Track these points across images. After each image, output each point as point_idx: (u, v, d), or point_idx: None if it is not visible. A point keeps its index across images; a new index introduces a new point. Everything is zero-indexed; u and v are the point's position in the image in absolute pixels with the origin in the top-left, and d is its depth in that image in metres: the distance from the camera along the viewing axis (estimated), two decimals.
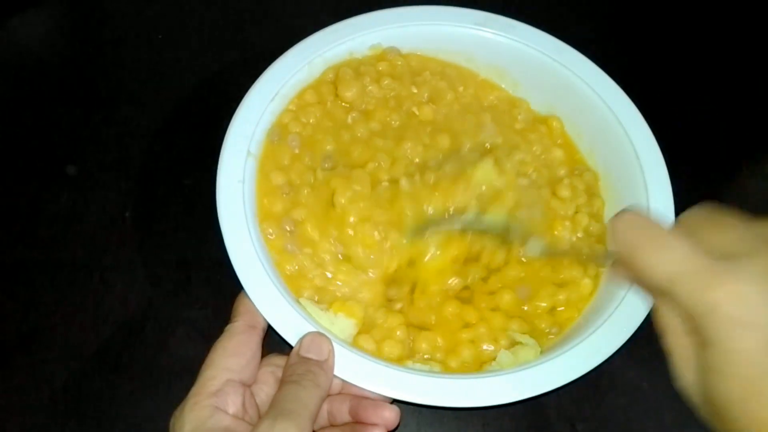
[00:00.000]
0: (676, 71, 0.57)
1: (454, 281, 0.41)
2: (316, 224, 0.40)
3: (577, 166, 0.47)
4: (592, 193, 0.45)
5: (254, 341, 0.35)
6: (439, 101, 0.47)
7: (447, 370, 0.38)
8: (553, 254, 0.42)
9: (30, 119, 0.52)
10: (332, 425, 0.37)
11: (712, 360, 0.27)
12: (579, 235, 0.44)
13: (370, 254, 0.40)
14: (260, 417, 0.33)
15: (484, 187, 0.42)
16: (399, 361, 0.38)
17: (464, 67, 0.49)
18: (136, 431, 0.41)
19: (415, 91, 0.47)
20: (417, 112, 0.46)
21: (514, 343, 0.39)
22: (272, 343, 0.37)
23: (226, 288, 0.38)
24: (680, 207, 0.41)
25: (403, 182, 0.42)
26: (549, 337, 0.40)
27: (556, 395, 0.36)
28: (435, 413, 0.42)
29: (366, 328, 0.39)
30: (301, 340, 0.35)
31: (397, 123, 0.45)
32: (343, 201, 0.40)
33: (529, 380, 0.36)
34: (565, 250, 0.43)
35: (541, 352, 0.39)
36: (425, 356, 0.39)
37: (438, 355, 0.39)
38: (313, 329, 0.36)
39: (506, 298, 0.41)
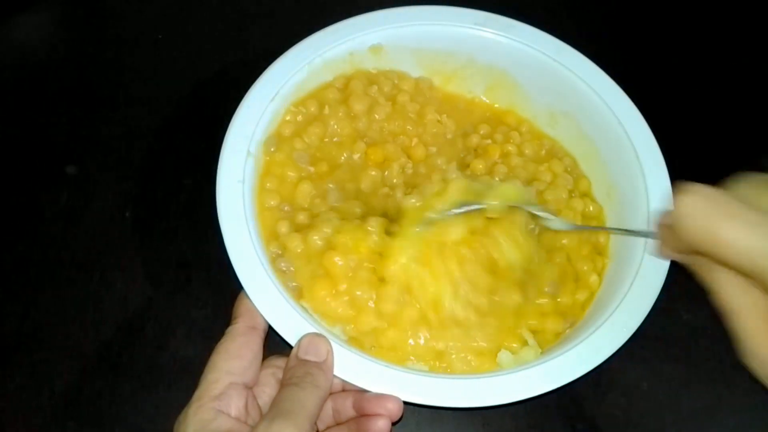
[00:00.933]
0: (675, 70, 0.57)
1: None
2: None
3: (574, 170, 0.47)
4: (576, 174, 0.47)
5: (255, 342, 0.35)
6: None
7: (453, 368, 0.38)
8: (585, 228, 0.42)
9: (30, 119, 0.52)
10: (338, 423, 0.37)
11: None
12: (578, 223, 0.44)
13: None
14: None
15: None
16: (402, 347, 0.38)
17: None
18: (136, 431, 0.41)
19: (409, 128, 0.47)
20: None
21: (524, 342, 0.39)
22: (272, 344, 0.37)
23: (226, 288, 0.38)
24: None
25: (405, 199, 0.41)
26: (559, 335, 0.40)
27: (556, 395, 0.36)
28: (435, 413, 0.42)
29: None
30: (299, 342, 0.35)
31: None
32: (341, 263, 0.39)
33: (530, 380, 0.36)
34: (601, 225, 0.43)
35: (542, 353, 0.39)
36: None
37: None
38: (312, 329, 0.36)
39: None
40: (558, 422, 0.42)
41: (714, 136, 0.54)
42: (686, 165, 0.44)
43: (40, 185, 0.49)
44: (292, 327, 0.36)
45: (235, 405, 0.33)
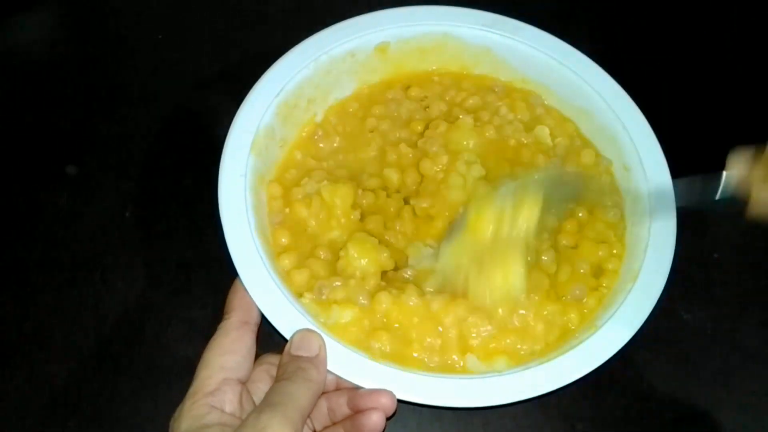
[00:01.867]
0: (680, 74, 0.57)
1: None
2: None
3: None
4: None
5: (248, 337, 0.35)
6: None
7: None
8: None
9: (30, 119, 0.52)
10: (334, 423, 0.37)
11: None
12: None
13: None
14: None
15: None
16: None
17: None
18: (136, 431, 0.41)
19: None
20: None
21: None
22: (271, 343, 0.37)
23: (226, 288, 0.38)
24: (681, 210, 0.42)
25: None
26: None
27: (556, 395, 0.36)
28: (435, 413, 0.42)
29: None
30: (291, 338, 0.35)
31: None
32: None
33: (530, 381, 0.36)
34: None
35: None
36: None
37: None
38: (309, 324, 0.36)
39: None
40: (558, 422, 0.42)
41: (717, 139, 0.54)
42: (689, 170, 0.44)
43: (40, 185, 0.49)
44: (287, 320, 0.36)
45: (229, 400, 0.33)
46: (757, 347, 0.45)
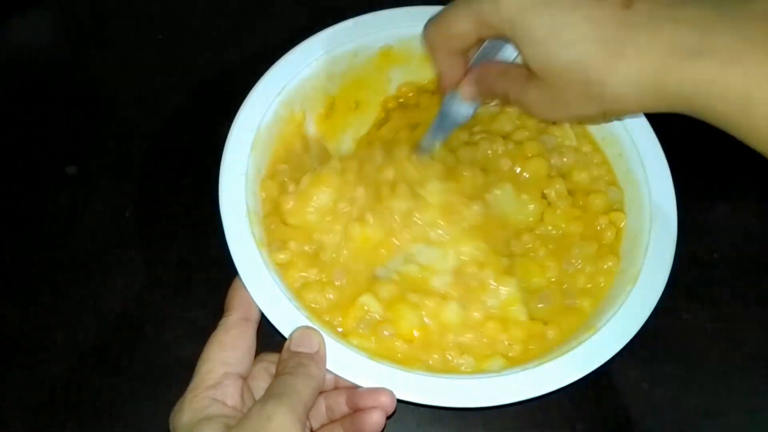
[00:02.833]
0: None
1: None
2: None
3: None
4: None
5: (249, 334, 0.36)
6: None
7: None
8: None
9: (30, 119, 0.52)
10: (332, 421, 0.37)
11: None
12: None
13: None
14: None
15: None
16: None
17: None
18: (136, 431, 0.41)
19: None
20: None
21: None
22: (270, 343, 0.37)
23: (226, 288, 0.38)
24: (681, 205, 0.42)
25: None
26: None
27: (556, 395, 0.36)
28: (435, 413, 0.42)
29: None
30: (291, 335, 0.35)
31: None
32: None
33: (530, 381, 0.36)
34: None
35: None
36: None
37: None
38: (308, 322, 0.36)
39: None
40: (558, 422, 0.42)
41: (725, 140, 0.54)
42: (692, 175, 0.44)
43: (40, 185, 0.49)
44: (287, 319, 0.36)
45: (230, 394, 0.33)
46: (757, 347, 0.45)
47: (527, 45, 0.32)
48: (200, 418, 0.32)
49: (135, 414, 0.41)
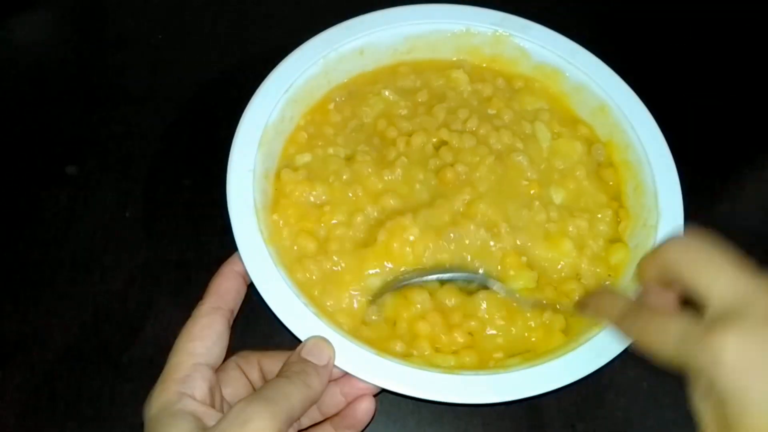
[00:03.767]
0: (688, 72, 0.57)
1: None
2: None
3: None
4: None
5: (218, 323, 0.35)
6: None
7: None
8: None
9: (30, 119, 0.52)
10: (324, 420, 0.37)
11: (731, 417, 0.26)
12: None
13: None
14: (228, 406, 0.34)
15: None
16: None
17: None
18: (136, 431, 0.41)
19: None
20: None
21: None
22: (269, 343, 0.37)
23: None
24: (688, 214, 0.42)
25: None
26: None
27: (555, 395, 0.36)
28: (435, 413, 0.42)
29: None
30: (305, 342, 0.35)
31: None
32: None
33: (531, 380, 0.36)
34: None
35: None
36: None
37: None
38: (319, 323, 0.36)
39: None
40: (558, 422, 0.42)
41: (727, 139, 0.54)
42: (697, 169, 0.44)
43: (40, 185, 0.49)
44: (295, 317, 0.36)
45: (199, 387, 0.33)
46: None
47: (729, 395, 0.26)
48: (169, 413, 0.31)
49: (135, 414, 0.41)
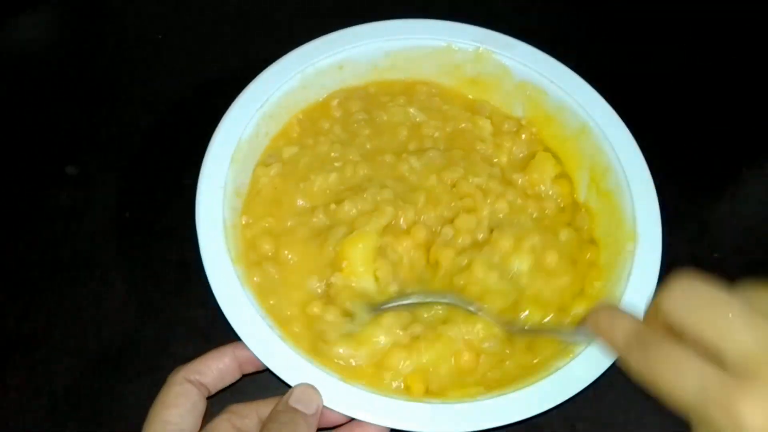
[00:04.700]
0: (672, 91, 0.56)
1: None
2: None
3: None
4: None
5: (192, 393, 0.35)
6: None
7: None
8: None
9: (30, 119, 0.52)
10: None
11: None
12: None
13: None
14: None
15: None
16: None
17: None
18: (136, 431, 0.41)
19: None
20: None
21: None
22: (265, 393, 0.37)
23: None
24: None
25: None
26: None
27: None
28: None
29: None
30: (293, 389, 0.35)
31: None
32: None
33: (534, 398, 0.36)
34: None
35: None
36: None
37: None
38: (306, 363, 0.36)
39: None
40: (558, 422, 0.42)
41: (704, 149, 0.53)
42: (692, 175, 0.43)
43: (40, 185, 0.49)
44: (260, 339, 0.36)
45: None
46: None
47: None
48: None
49: (135, 414, 0.41)
